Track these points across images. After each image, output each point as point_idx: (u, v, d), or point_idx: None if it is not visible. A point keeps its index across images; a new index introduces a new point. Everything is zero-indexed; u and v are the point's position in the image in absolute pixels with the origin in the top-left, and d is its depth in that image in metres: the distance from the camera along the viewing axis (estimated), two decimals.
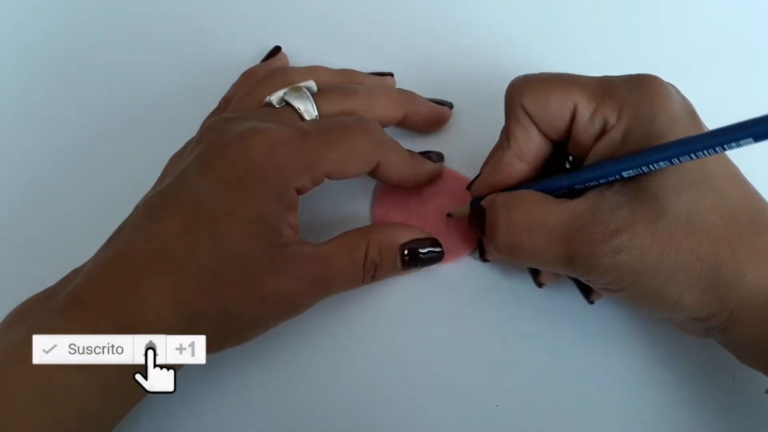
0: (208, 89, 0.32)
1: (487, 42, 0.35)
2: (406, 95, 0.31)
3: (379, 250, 0.26)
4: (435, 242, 0.28)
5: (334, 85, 0.29)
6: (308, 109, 0.27)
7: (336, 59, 0.32)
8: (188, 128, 0.29)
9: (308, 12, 0.37)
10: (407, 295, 0.29)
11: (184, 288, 0.23)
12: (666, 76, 0.23)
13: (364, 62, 0.32)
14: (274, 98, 0.27)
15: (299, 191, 0.25)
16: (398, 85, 0.33)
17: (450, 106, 0.33)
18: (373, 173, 0.28)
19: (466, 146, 0.32)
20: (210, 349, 0.25)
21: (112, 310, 0.22)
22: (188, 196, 0.24)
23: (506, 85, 0.25)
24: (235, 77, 0.32)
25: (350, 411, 0.27)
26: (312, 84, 0.28)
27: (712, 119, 0.33)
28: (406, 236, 0.27)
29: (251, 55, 0.35)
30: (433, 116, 0.32)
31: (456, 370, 0.28)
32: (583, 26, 0.36)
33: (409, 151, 0.29)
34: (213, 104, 0.31)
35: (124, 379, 0.23)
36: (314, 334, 0.28)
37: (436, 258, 0.28)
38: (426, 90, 0.32)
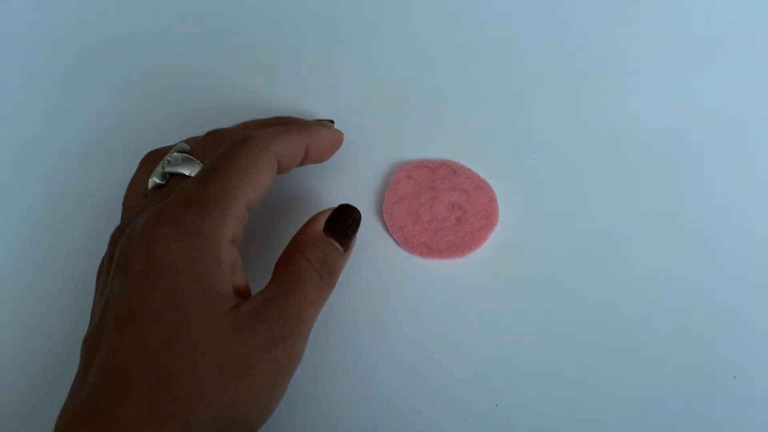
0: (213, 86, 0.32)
1: (488, 42, 0.35)
2: (302, 125, 0.29)
3: (314, 249, 0.25)
4: (347, 208, 0.27)
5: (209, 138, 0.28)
6: (194, 169, 0.26)
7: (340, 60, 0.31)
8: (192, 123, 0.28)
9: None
10: (409, 294, 0.29)
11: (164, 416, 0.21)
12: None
13: (367, 56, 0.32)
14: (156, 177, 0.26)
15: (233, 241, 0.24)
16: (399, 86, 0.32)
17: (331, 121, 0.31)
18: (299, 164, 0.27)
19: (475, 142, 0.32)
20: None
21: None
22: (122, 319, 0.22)
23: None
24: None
25: (348, 410, 0.27)
26: (183, 145, 0.27)
27: (715, 117, 0.33)
28: (322, 221, 0.26)
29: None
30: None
31: (456, 370, 0.28)
32: (583, 25, 0.36)
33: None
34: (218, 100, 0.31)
35: None
36: (314, 332, 0.28)
37: (358, 220, 0.27)
38: (428, 92, 0.31)
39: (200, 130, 0.29)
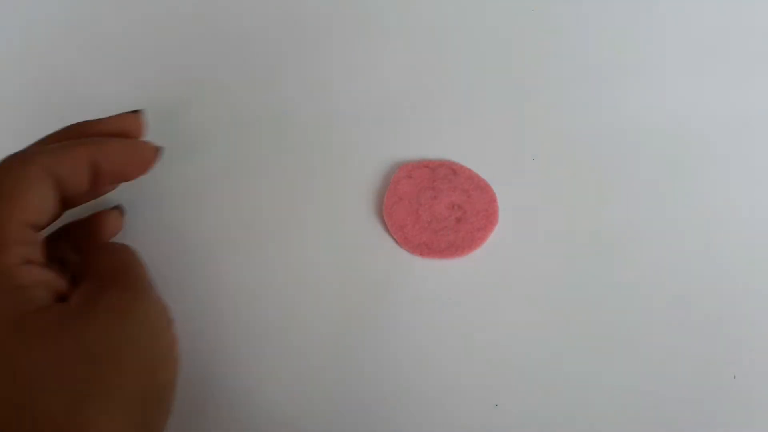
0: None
1: (489, 42, 0.35)
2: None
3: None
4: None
5: None
6: None
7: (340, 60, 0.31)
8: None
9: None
10: (409, 294, 0.29)
11: None
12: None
13: (367, 55, 0.32)
14: None
15: (30, 261, 0.22)
16: (399, 86, 0.32)
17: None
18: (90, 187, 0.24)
19: (475, 142, 0.32)
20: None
21: None
22: None
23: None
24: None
25: (347, 409, 0.27)
26: None
27: (715, 117, 0.33)
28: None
29: None
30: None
31: (455, 369, 0.28)
32: (584, 26, 0.36)
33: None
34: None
35: None
36: (312, 331, 0.28)
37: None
38: (428, 92, 0.31)
39: (199, 134, 0.29)
